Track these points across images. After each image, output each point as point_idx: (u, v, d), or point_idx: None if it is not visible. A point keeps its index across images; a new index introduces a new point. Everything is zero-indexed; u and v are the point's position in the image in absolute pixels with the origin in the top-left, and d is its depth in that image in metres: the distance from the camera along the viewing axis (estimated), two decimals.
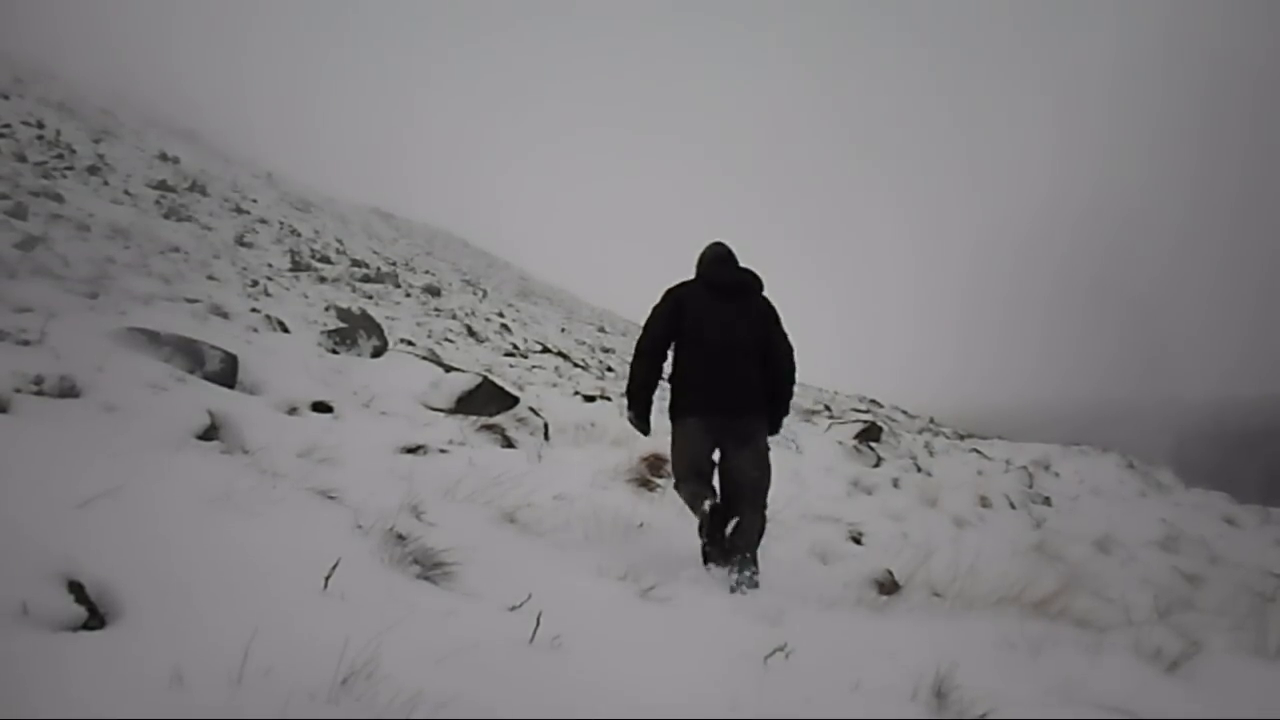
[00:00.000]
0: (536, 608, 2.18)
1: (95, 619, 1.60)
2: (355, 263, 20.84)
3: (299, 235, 22.06)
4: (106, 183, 17.82)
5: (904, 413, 23.58)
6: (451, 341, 13.85)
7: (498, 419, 5.97)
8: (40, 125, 21.02)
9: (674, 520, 4.43)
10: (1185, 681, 2.69)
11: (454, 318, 17.42)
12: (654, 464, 5.42)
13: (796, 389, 3.81)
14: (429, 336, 13.44)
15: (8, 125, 19.29)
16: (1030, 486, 9.16)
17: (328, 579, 1.99)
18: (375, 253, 25.47)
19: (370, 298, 15.77)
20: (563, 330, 23.63)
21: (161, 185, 19.80)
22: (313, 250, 20.22)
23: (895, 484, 7.56)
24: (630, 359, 3.78)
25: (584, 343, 22.25)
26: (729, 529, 3.29)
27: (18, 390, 3.19)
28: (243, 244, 16.94)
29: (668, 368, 3.75)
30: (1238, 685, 2.72)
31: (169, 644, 1.55)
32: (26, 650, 1.42)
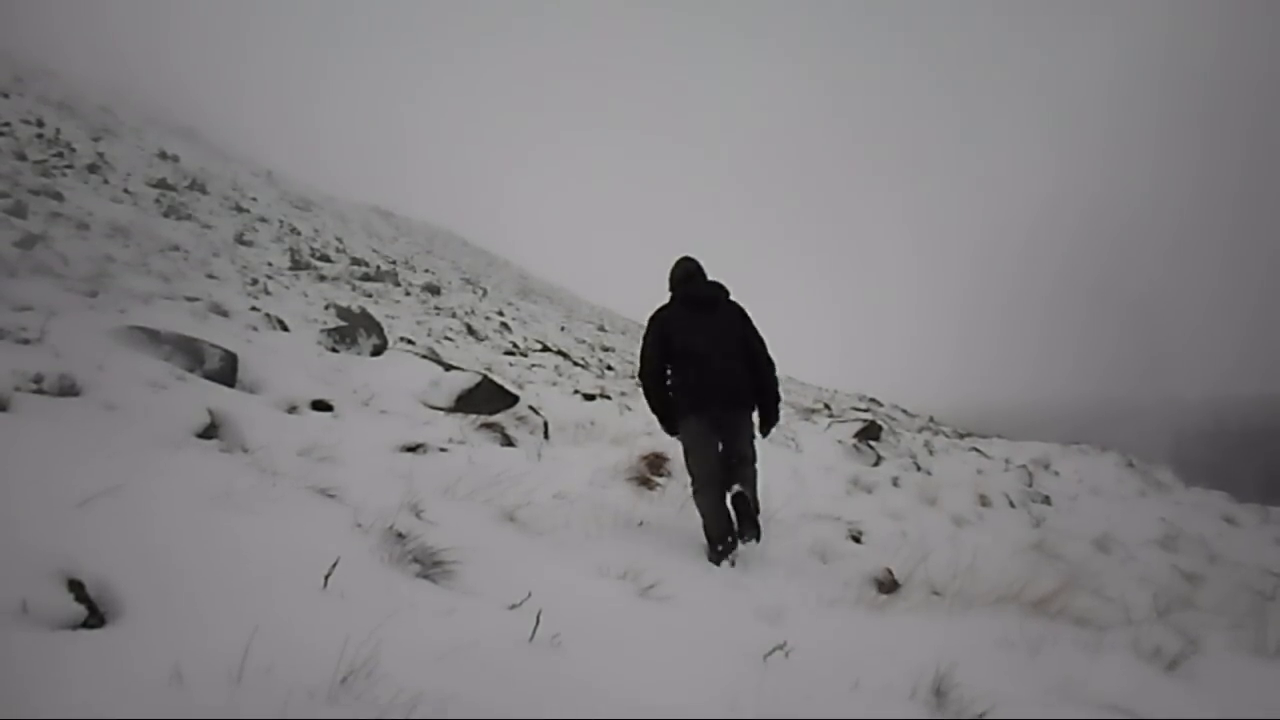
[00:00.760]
0: (536, 606, 2.18)
1: (95, 617, 1.60)
2: (355, 261, 20.84)
3: (299, 234, 22.05)
4: (106, 181, 17.81)
5: (904, 411, 23.56)
6: (451, 340, 13.85)
7: (497, 417, 5.97)
8: (40, 123, 21.02)
9: (674, 519, 4.43)
10: (1185, 680, 2.70)
11: (454, 316, 17.42)
12: (654, 462, 5.42)
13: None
14: (429, 335, 13.43)
15: (7, 123, 19.28)
16: (1030, 485, 9.15)
17: (327, 577, 1.99)
18: (375, 251, 25.46)
19: (370, 296, 15.77)
20: (562, 329, 23.62)
21: (161, 183, 19.79)
22: (312, 249, 20.21)
23: (895, 483, 7.55)
24: (639, 384, 4.34)
25: (584, 341, 22.24)
26: (731, 494, 3.91)
27: (18, 389, 3.19)
28: (242, 242, 16.93)
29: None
30: (1237, 684, 2.72)
31: (169, 642, 1.55)
32: (26, 649, 1.42)
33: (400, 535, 2.50)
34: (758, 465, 4.12)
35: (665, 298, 4.28)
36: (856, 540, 5.11)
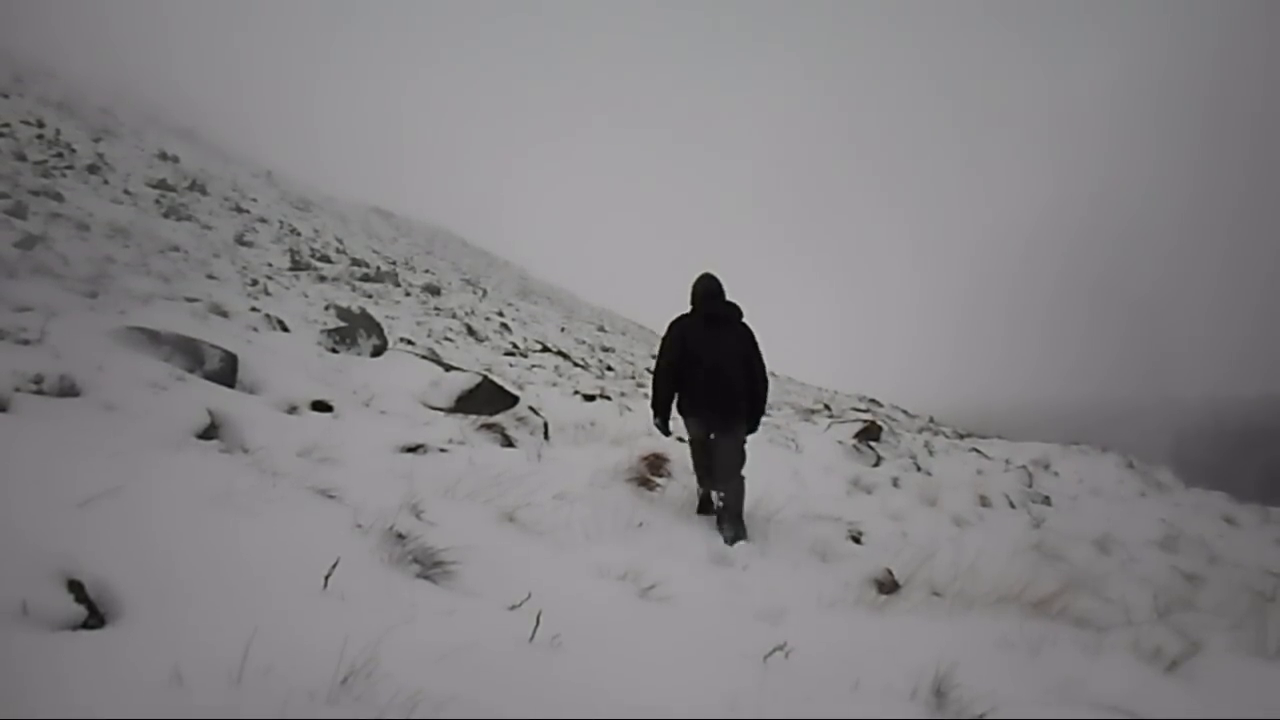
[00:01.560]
0: (536, 607, 2.18)
1: (95, 618, 1.60)
2: (355, 262, 20.83)
3: (299, 234, 22.05)
4: (106, 182, 17.81)
5: (904, 412, 23.54)
6: (451, 340, 13.84)
7: (497, 418, 5.97)
8: (40, 124, 21.02)
9: (673, 520, 4.43)
10: (1185, 681, 2.69)
11: (454, 317, 17.41)
12: (653, 463, 5.42)
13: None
14: (429, 335, 13.43)
15: (7, 124, 19.28)
16: (1030, 486, 9.15)
17: (327, 578, 1.99)
18: (375, 252, 25.46)
19: (370, 297, 15.76)
20: (562, 329, 23.61)
21: (161, 184, 19.79)
22: (312, 249, 20.21)
23: (895, 483, 7.56)
24: (652, 377, 4.87)
25: (584, 342, 22.23)
26: (716, 496, 4.55)
27: (18, 389, 3.19)
28: (242, 243, 16.93)
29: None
30: (1237, 685, 2.72)
31: (168, 643, 1.55)
32: (26, 649, 1.42)
33: (400, 536, 2.50)
34: (744, 473, 4.60)
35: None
36: (856, 541, 5.11)
